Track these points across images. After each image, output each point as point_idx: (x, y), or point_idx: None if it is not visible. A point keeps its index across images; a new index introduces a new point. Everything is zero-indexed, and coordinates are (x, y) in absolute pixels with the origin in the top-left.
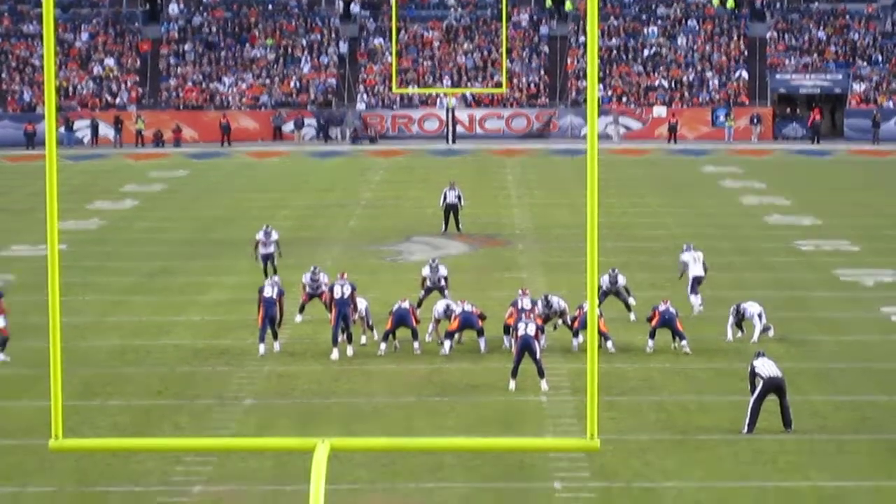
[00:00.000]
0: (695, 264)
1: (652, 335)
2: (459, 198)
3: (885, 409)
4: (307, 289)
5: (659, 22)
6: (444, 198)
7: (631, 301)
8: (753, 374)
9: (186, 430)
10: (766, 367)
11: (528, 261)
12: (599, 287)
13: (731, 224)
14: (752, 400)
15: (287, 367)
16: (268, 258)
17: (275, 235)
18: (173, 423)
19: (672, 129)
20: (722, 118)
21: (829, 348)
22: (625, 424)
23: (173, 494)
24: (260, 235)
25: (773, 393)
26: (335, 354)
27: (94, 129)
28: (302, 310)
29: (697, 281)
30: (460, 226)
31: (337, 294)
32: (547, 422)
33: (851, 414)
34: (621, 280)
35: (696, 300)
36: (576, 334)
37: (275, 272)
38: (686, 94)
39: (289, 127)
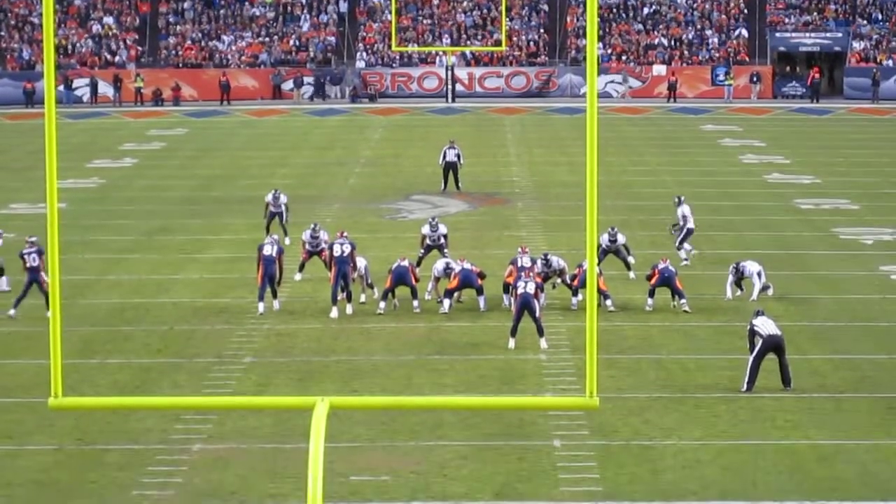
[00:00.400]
0: (691, 216)
1: (651, 294)
2: (459, 156)
3: (883, 368)
4: (307, 246)
5: None
6: (444, 156)
7: (630, 259)
8: (753, 333)
9: (186, 389)
10: (766, 326)
11: (528, 219)
12: (599, 245)
13: (731, 182)
14: (751, 358)
15: (286, 326)
16: (275, 216)
17: (283, 199)
18: (173, 381)
19: (672, 88)
20: (721, 76)
21: (828, 307)
22: (624, 383)
23: (173, 452)
24: (269, 198)
25: (772, 351)
26: (334, 313)
27: (94, 87)
28: (302, 268)
29: (690, 233)
30: (459, 184)
31: (336, 252)
32: (546, 380)
33: (850, 373)
34: (621, 238)
35: (688, 248)
36: (575, 293)
37: (285, 234)
38: (686, 52)
39: (288, 85)
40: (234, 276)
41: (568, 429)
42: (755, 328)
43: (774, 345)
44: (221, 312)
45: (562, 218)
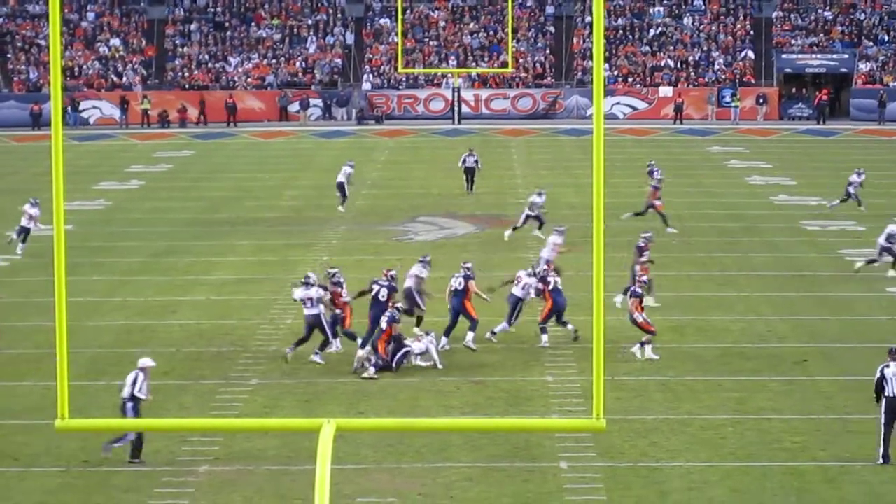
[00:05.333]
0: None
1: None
2: (477, 162)
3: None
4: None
5: (665, 2)
6: (464, 161)
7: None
8: (880, 385)
9: (192, 410)
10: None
11: (535, 241)
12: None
13: (738, 204)
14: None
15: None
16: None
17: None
18: (179, 402)
19: (678, 109)
20: (728, 98)
21: (836, 328)
22: (631, 405)
23: (179, 474)
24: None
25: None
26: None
27: (100, 109)
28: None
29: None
30: (473, 186)
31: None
32: (553, 402)
33: (857, 394)
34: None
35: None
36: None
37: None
38: (692, 73)
39: (294, 107)
40: (240, 298)
41: (574, 450)
42: (885, 377)
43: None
44: (228, 334)
45: (569, 239)
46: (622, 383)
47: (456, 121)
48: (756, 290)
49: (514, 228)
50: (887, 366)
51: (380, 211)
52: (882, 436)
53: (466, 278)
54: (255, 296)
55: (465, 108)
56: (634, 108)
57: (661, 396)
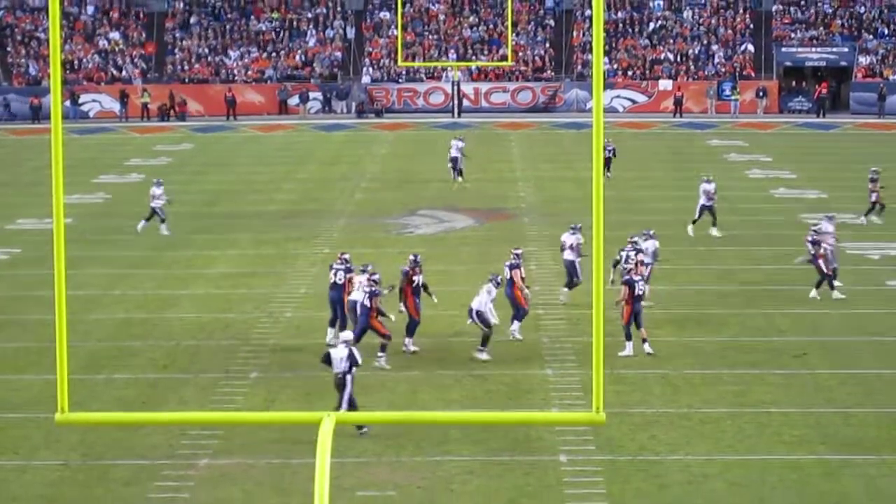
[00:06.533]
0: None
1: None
2: (460, 150)
3: (891, 383)
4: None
5: None
6: (450, 149)
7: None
8: None
9: (192, 404)
10: None
11: (535, 234)
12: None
13: (737, 197)
14: None
15: (292, 341)
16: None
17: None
18: (179, 396)
19: (678, 103)
20: (727, 91)
21: (836, 321)
22: (630, 398)
23: (179, 468)
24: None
25: None
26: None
27: (100, 103)
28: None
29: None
30: (461, 177)
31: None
32: (553, 395)
33: (857, 387)
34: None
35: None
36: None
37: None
38: (692, 67)
39: (294, 100)
40: (240, 292)
41: (574, 444)
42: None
43: None
44: (227, 328)
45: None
46: (622, 377)
47: (455, 114)
48: (755, 283)
49: (693, 222)
50: None
51: (379, 204)
52: None
53: (512, 267)
54: (255, 289)
55: (464, 102)
56: (634, 102)
57: (661, 390)
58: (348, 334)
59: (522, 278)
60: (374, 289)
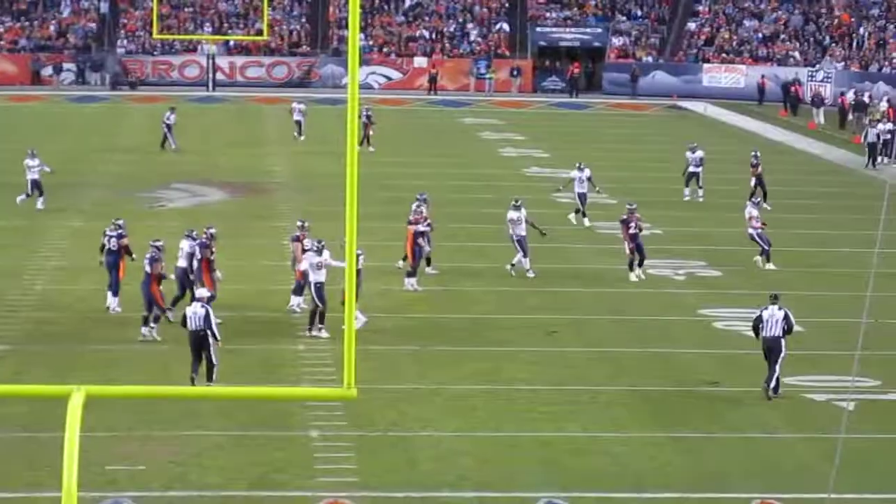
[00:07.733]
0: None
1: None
2: (302, 113)
3: (639, 360)
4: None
5: None
6: (293, 112)
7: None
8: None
9: None
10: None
11: (289, 209)
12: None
13: (491, 175)
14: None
15: (43, 314)
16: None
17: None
18: None
19: (432, 80)
20: (482, 70)
21: (586, 299)
22: (382, 374)
23: None
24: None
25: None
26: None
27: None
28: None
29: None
30: (302, 136)
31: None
32: (304, 370)
33: (607, 365)
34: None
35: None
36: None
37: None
38: (447, 45)
39: (47, 71)
40: None
41: (326, 419)
42: (762, 318)
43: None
44: None
45: (325, 209)
46: (374, 353)
47: (210, 87)
48: (508, 260)
49: (686, 186)
50: (765, 308)
51: (134, 177)
52: (768, 373)
53: (294, 239)
54: (6, 261)
55: (219, 76)
56: (389, 79)
57: (412, 367)
58: (204, 292)
59: (304, 250)
60: (153, 254)
